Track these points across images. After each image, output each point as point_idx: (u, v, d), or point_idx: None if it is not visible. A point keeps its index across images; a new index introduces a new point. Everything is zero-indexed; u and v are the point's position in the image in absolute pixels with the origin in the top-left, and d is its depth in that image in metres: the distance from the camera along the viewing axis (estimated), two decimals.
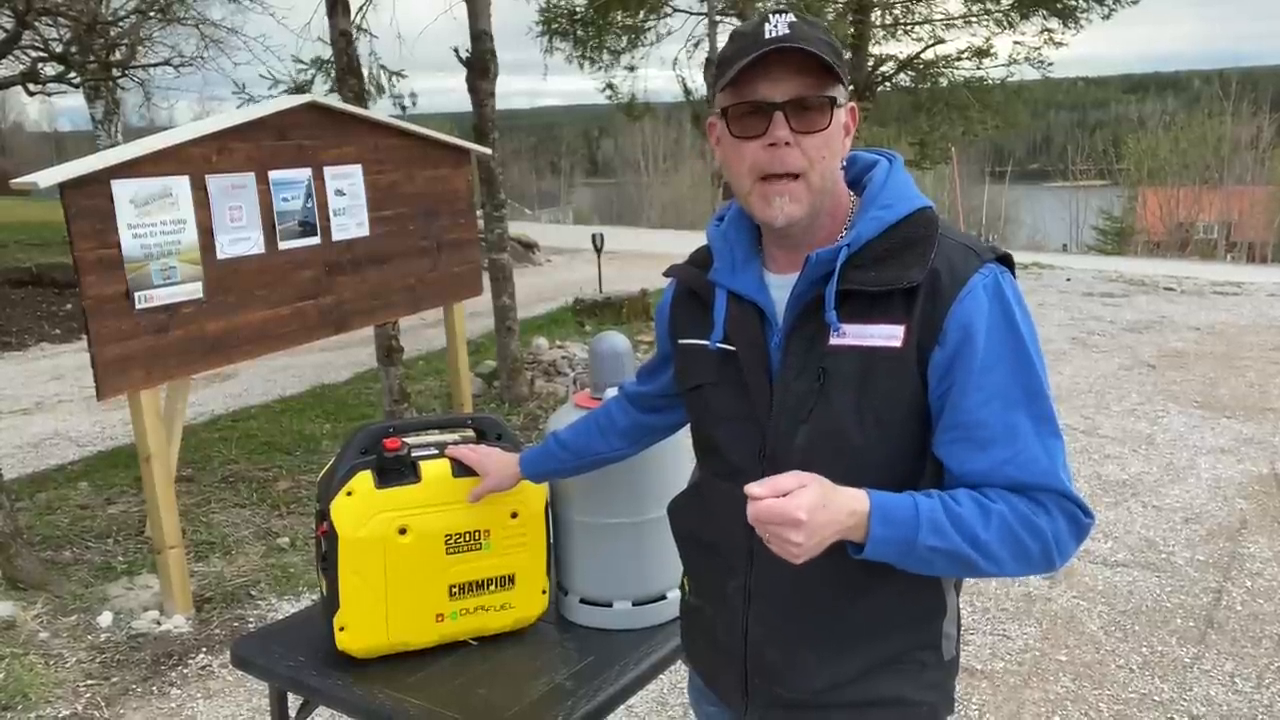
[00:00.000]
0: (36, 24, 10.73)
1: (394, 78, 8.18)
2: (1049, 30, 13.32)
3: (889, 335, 1.18)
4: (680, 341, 1.41)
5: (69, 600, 3.92)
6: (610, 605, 1.95)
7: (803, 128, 1.18)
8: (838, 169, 1.26)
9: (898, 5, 14.23)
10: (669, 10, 13.31)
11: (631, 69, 13.86)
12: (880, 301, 1.19)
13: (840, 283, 1.19)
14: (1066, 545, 1.17)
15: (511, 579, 1.88)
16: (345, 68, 5.68)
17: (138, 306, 3.60)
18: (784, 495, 1.08)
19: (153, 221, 3.64)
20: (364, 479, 1.76)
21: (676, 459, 1.86)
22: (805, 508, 1.07)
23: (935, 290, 1.17)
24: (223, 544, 4.47)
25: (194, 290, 3.83)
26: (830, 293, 1.19)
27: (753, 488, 1.09)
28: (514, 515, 1.86)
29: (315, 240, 4.42)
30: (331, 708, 1.80)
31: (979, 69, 13.92)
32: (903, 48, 14.38)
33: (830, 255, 1.20)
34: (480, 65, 6.35)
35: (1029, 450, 1.16)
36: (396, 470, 1.79)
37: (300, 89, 7.76)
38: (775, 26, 1.16)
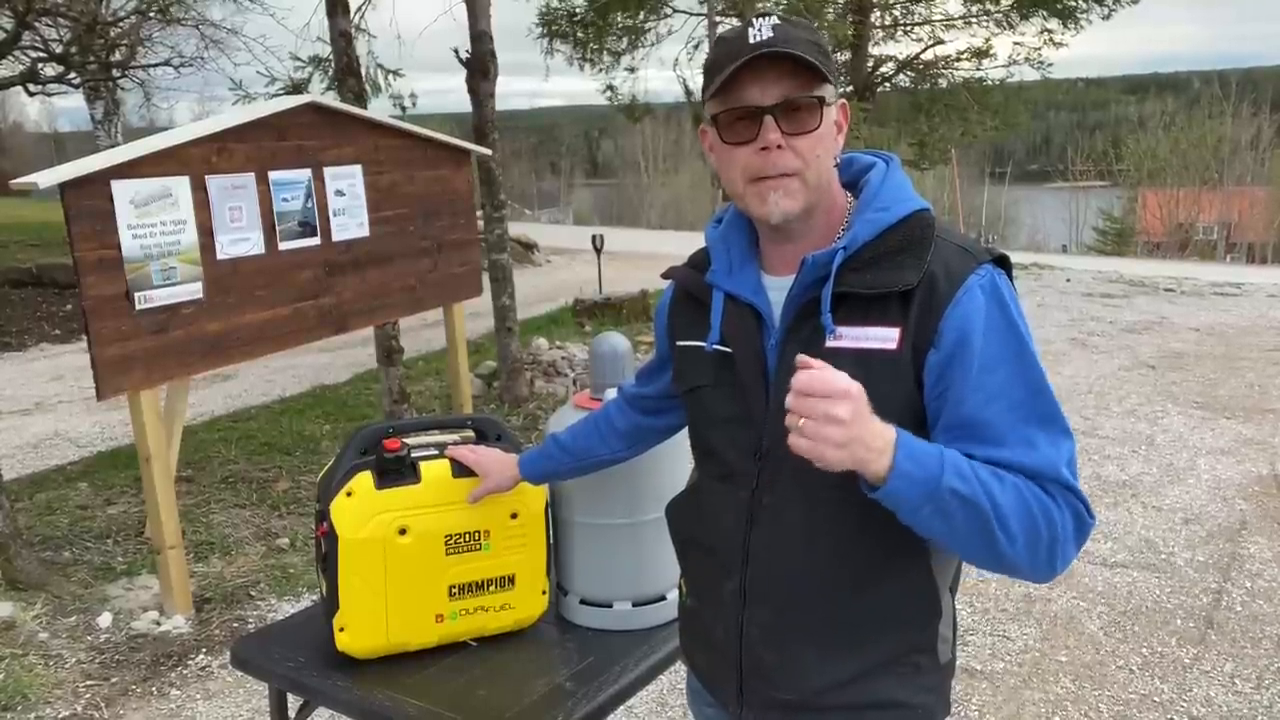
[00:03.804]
0: (36, 24, 10.73)
1: (390, 76, 8.17)
2: (1049, 31, 13.33)
3: (884, 338, 1.18)
4: (678, 344, 1.41)
5: (68, 601, 3.92)
6: (610, 606, 1.95)
7: (793, 129, 1.19)
8: (832, 167, 1.26)
9: (897, 6, 14.24)
10: (669, 11, 13.32)
11: (632, 70, 13.87)
12: (876, 304, 1.19)
13: (836, 285, 1.19)
14: (1068, 544, 1.16)
15: (511, 579, 1.88)
16: (344, 68, 5.68)
17: (138, 307, 3.60)
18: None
19: (153, 222, 3.64)
20: (364, 479, 1.77)
21: (675, 460, 1.86)
22: (855, 388, 1.04)
23: (931, 292, 1.17)
24: (222, 544, 4.47)
25: (194, 290, 3.84)
26: (826, 296, 1.20)
27: (806, 358, 1.06)
28: (514, 516, 1.87)
29: (315, 240, 4.42)
30: (331, 708, 1.80)
31: (978, 70, 13.94)
32: (902, 48, 14.41)
33: (826, 258, 1.20)
34: (480, 66, 6.35)
35: (1035, 447, 1.15)
36: (396, 471, 1.79)
37: (297, 88, 7.75)
38: (759, 30, 1.16)
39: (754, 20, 1.18)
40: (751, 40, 1.16)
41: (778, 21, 1.18)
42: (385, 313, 5.03)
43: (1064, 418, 1.18)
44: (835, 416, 1.02)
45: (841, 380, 1.04)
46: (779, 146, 1.18)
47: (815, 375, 1.04)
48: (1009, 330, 1.18)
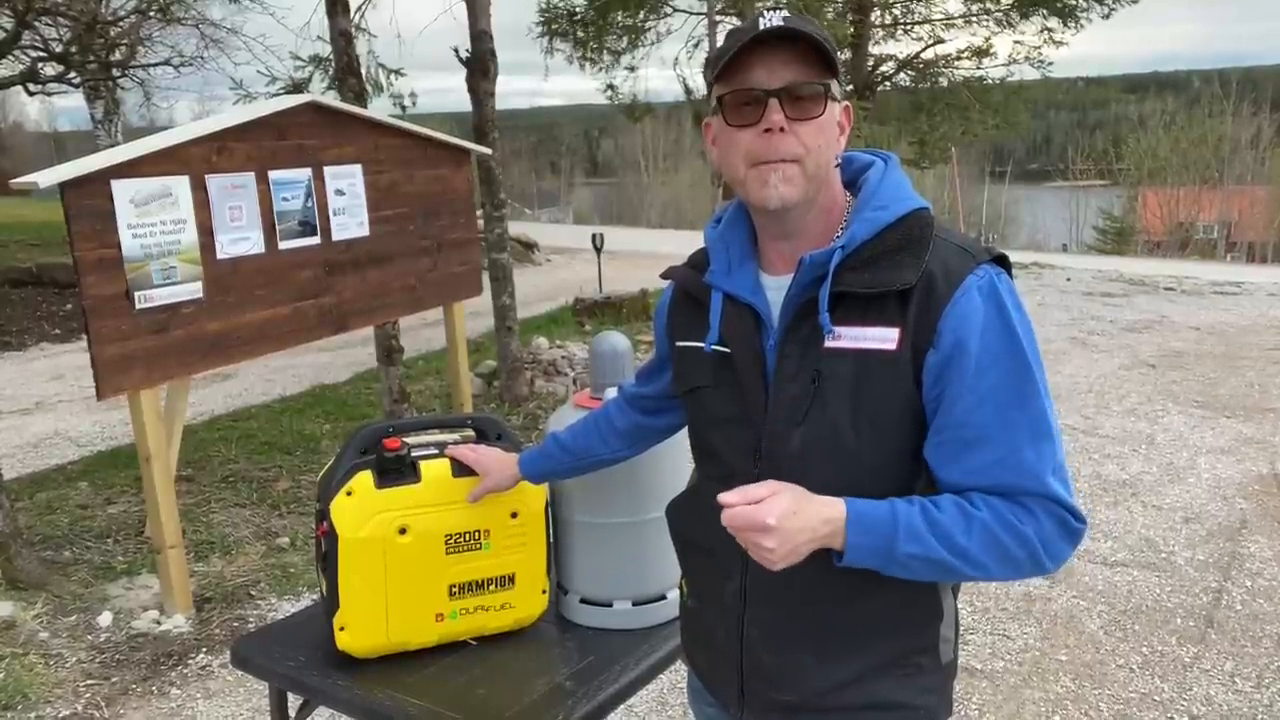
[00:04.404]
0: (36, 24, 10.73)
1: (392, 75, 8.17)
2: (1049, 30, 13.35)
3: (883, 338, 1.18)
4: (678, 344, 1.41)
5: (69, 600, 3.92)
6: (610, 605, 1.95)
7: (797, 115, 1.19)
8: (832, 162, 1.26)
9: (897, 5, 14.25)
10: (669, 10, 13.32)
11: (632, 69, 13.88)
12: (875, 304, 1.19)
13: (834, 285, 1.19)
14: (1057, 549, 1.17)
15: (511, 579, 1.88)
16: (345, 67, 5.68)
17: (138, 306, 3.60)
18: (756, 503, 1.11)
19: (153, 221, 3.64)
20: (364, 479, 1.76)
21: (676, 459, 1.86)
22: (775, 514, 1.10)
23: (930, 292, 1.17)
24: (223, 544, 4.47)
25: (194, 290, 3.84)
26: (824, 295, 1.19)
27: (725, 496, 1.13)
28: (514, 515, 1.86)
29: (315, 240, 4.42)
30: (331, 708, 1.80)
31: (979, 69, 13.95)
32: (902, 47, 14.42)
33: (824, 257, 1.20)
34: (480, 65, 6.35)
35: (1019, 452, 1.16)
36: (396, 470, 1.79)
37: (298, 87, 7.76)
38: (770, 20, 1.17)
39: (765, 12, 1.19)
40: (762, 27, 1.17)
41: (787, 14, 1.19)
42: (385, 312, 5.03)
43: (1052, 421, 1.19)
44: (763, 546, 1.11)
45: (756, 517, 1.10)
46: (782, 130, 1.18)
47: (736, 514, 1.12)
48: (1005, 331, 1.18)
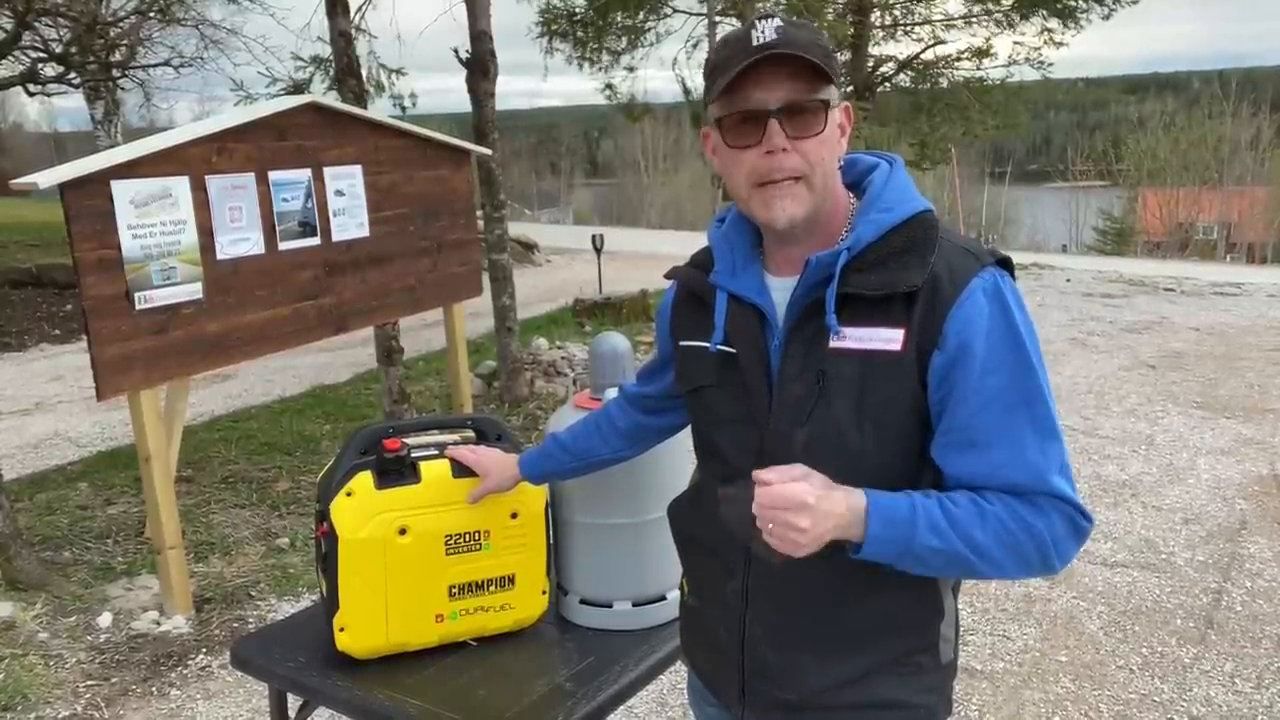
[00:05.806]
0: (36, 24, 10.73)
1: (392, 76, 8.18)
2: (1049, 30, 13.37)
3: (888, 339, 1.18)
4: (681, 344, 1.41)
5: (69, 601, 3.92)
6: (610, 606, 1.95)
7: (798, 132, 1.18)
8: (836, 170, 1.26)
9: (897, 6, 14.27)
10: (668, 11, 13.35)
11: (631, 70, 13.90)
12: (880, 305, 1.19)
13: (840, 286, 1.19)
14: (1065, 548, 1.18)
15: (511, 579, 1.88)
16: (345, 68, 5.68)
17: (137, 307, 3.60)
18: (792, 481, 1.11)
19: (152, 222, 3.64)
20: (364, 479, 1.76)
21: (676, 460, 1.86)
22: (813, 493, 1.10)
23: (935, 294, 1.17)
24: (222, 544, 4.47)
25: (194, 291, 3.83)
26: (830, 296, 1.19)
27: (762, 473, 1.12)
28: (514, 516, 1.86)
29: (315, 241, 4.42)
30: (331, 708, 1.80)
31: (979, 69, 13.97)
32: (902, 48, 14.45)
33: (830, 259, 1.20)
34: (480, 65, 6.35)
35: (1026, 453, 1.16)
36: (396, 471, 1.79)
37: (298, 88, 7.76)
38: (763, 32, 1.16)
39: (757, 22, 1.17)
40: (755, 42, 1.15)
41: (780, 23, 1.17)
42: (385, 313, 5.03)
43: (1056, 420, 1.19)
44: (796, 526, 1.10)
45: (797, 493, 1.10)
46: (784, 149, 1.18)
47: (773, 492, 1.11)
48: (1009, 333, 1.18)
